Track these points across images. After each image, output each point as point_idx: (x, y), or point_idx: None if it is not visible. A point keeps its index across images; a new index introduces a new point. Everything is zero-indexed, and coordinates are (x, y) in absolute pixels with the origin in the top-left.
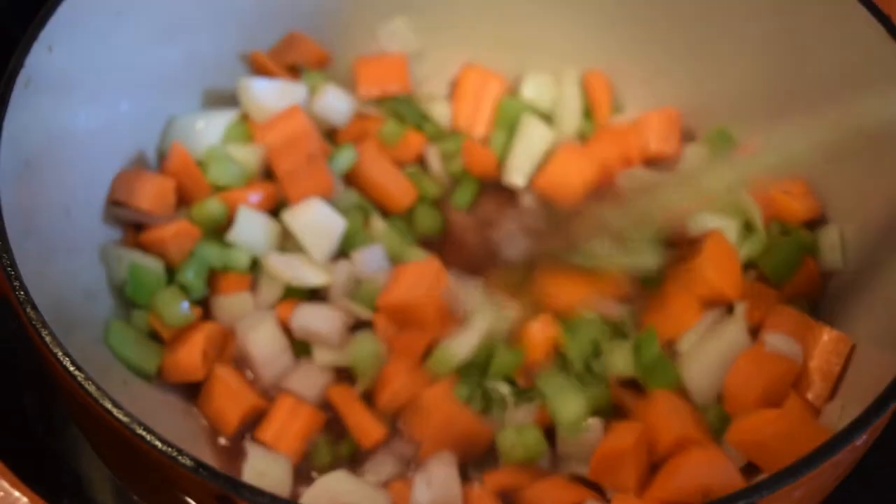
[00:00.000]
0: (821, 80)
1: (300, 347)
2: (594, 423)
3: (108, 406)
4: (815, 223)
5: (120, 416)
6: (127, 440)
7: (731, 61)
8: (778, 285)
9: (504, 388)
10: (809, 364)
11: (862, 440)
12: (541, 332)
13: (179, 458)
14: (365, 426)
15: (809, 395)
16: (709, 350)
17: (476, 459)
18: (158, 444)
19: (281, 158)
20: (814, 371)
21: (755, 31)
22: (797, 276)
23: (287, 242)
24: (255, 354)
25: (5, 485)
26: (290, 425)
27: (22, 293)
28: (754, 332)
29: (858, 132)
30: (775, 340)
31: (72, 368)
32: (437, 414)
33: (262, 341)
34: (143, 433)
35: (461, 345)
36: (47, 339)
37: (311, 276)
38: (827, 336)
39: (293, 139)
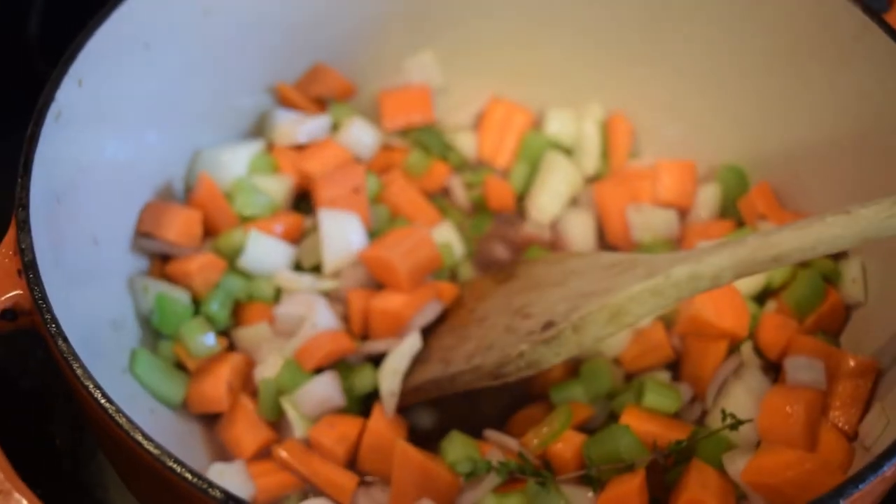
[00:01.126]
0: (864, 138)
1: None
2: None
3: (139, 438)
4: (834, 256)
5: (150, 448)
6: (157, 472)
7: (760, 117)
8: (801, 318)
9: (497, 457)
10: (837, 390)
11: (891, 470)
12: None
13: (210, 490)
14: (336, 480)
15: (839, 422)
16: (732, 401)
17: None
18: (189, 476)
19: (325, 187)
20: (842, 397)
21: (795, 88)
22: (821, 307)
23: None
24: None
25: None
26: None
27: (53, 326)
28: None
29: (778, 260)
30: (797, 365)
31: (102, 401)
32: (405, 460)
33: None
34: (174, 465)
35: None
36: (78, 371)
37: (319, 284)
38: (853, 362)
39: (339, 169)
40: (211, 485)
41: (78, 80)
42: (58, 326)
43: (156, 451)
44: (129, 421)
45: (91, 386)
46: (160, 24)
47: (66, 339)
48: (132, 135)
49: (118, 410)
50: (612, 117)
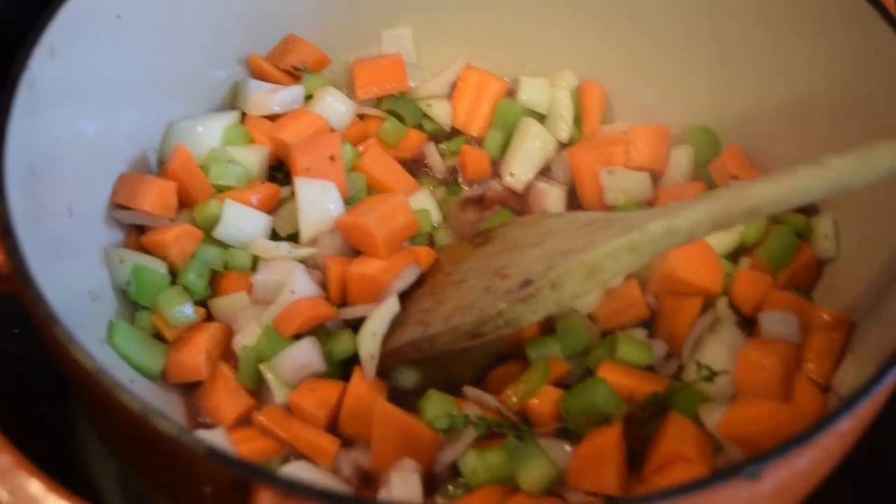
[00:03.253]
0: (838, 98)
1: None
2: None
3: (124, 397)
4: (806, 212)
5: (135, 406)
6: (141, 430)
7: (733, 80)
8: (775, 273)
9: (475, 413)
10: (811, 343)
11: (865, 406)
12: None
13: (194, 445)
14: (317, 443)
15: (813, 374)
16: (707, 355)
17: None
18: (174, 431)
19: (301, 156)
20: (816, 349)
21: (768, 51)
22: (794, 263)
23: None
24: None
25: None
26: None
27: (33, 290)
28: (753, 321)
29: (752, 212)
30: (772, 320)
31: (86, 361)
32: (385, 420)
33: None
34: (158, 422)
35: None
36: (60, 334)
37: (296, 251)
38: (826, 315)
39: (314, 138)
40: (195, 440)
41: (50, 49)
42: (37, 290)
43: (140, 409)
44: (113, 381)
45: (74, 348)
46: None
47: (46, 303)
48: (106, 107)
49: (102, 370)
50: (584, 84)
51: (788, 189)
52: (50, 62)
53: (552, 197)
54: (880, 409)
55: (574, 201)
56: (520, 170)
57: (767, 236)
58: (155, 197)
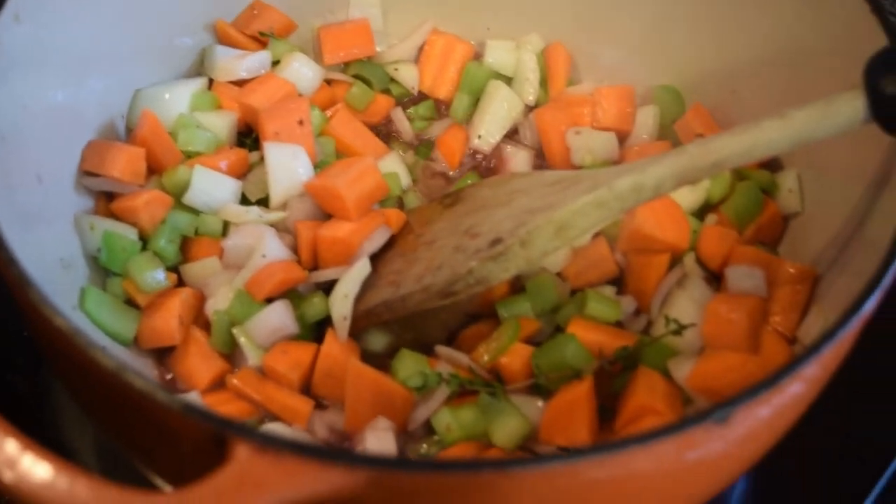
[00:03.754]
0: (798, 53)
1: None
2: None
3: (98, 356)
4: (770, 167)
5: (109, 364)
6: (117, 388)
7: (696, 39)
8: (741, 229)
9: (446, 370)
10: (777, 296)
11: (829, 352)
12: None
13: (172, 402)
14: (291, 405)
15: (780, 327)
16: (675, 310)
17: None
18: (149, 388)
19: (271, 121)
20: (782, 302)
21: (730, 7)
22: (759, 218)
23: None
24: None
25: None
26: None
27: (4, 253)
28: (720, 276)
29: (718, 165)
30: (738, 274)
31: (60, 322)
32: (358, 379)
33: None
34: (133, 379)
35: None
36: (34, 297)
37: (267, 216)
38: (791, 269)
39: (282, 102)
40: (171, 396)
41: (14, 14)
42: (9, 254)
43: (115, 367)
44: (88, 340)
45: (48, 310)
46: None
47: (18, 265)
48: (73, 74)
49: (77, 331)
50: (550, 46)
51: (752, 142)
52: (15, 28)
53: (519, 160)
54: (845, 356)
55: (542, 163)
56: (487, 132)
57: (733, 192)
58: (124, 163)
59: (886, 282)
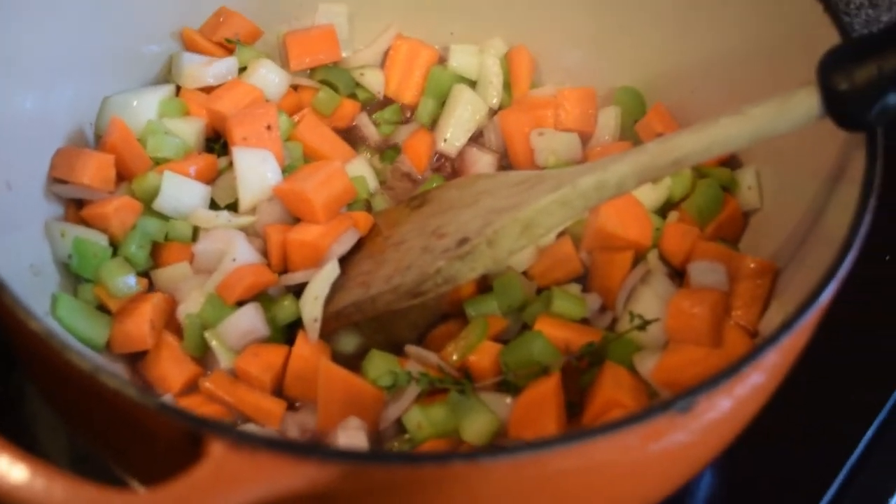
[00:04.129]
0: (753, 51)
1: None
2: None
3: (74, 358)
4: (730, 165)
5: (84, 365)
6: (92, 390)
7: (654, 40)
8: (702, 226)
9: (416, 370)
10: (738, 290)
11: (788, 341)
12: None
13: (147, 401)
14: (264, 406)
15: (741, 320)
16: (640, 305)
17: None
18: (125, 388)
19: (239, 126)
20: (743, 296)
21: (687, 6)
22: (720, 215)
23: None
24: None
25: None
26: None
27: None
28: (683, 272)
29: (678, 162)
30: (701, 269)
31: (35, 325)
32: (329, 379)
33: None
34: (108, 380)
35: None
36: (8, 300)
37: (236, 220)
38: (752, 264)
39: (250, 108)
40: (146, 395)
41: None
42: None
43: (90, 368)
44: (63, 342)
45: (23, 312)
46: None
47: None
48: (41, 81)
49: (51, 333)
50: (513, 49)
51: (711, 139)
52: None
53: (483, 164)
54: (804, 345)
55: (506, 166)
56: (453, 135)
57: (694, 190)
58: (93, 170)
59: (842, 272)
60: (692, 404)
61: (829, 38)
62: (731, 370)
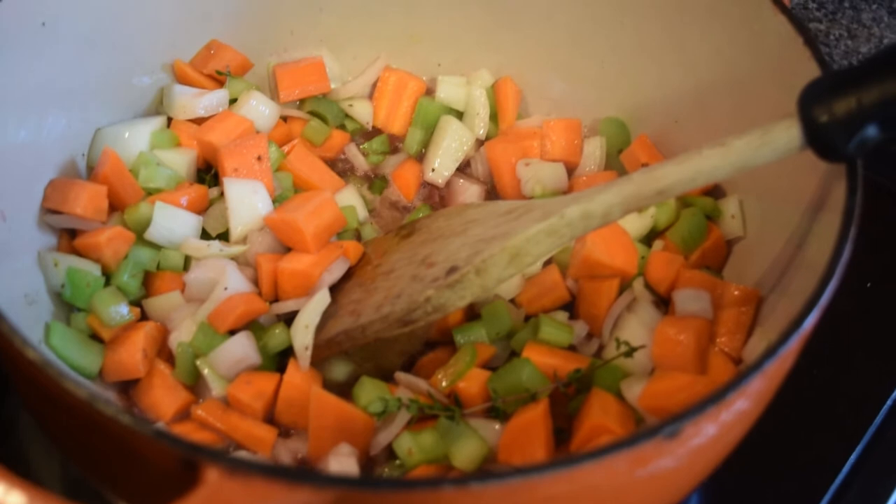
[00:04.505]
0: (735, 82)
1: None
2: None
3: (70, 385)
4: (713, 194)
5: (81, 393)
6: (88, 418)
7: (638, 71)
8: (687, 254)
9: (406, 396)
10: (722, 318)
11: (772, 367)
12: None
13: (143, 427)
14: (256, 434)
15: (726, 347)
16: (626, 332)
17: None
18: (122, 415)
19: (230, 157)
20: (727, 324)
21: (670, 38)
22: (704, 243)
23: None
24: None
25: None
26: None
27: None
28: (668, 300)
29: (663, 193)
30: (685, 297)
31: (32, 355)
32: (320, 406)
33: None
34: (104, 408)
35: (308, 314)
36: (5, 329)
37: (228, 249)
38: (736, 291)
39: (241, 139)
40: (142, 422)
41: None
42: None
43: (86, 396)
44: (59, 371)
45: (19, 341)
46: (56, 3)
47: None
48: (34, 113)
49: (47, 362)
50: (499, 81)
51: (695, 169)
52: None
53: (471, 193)
54: (787, 371)
55: (493, 195)
56: (441, 165)
57: (678, 219)
58: (86, 201)
59: (824, 300)
60: (679, 430)
61: (810, 70)
62: (717, 396)
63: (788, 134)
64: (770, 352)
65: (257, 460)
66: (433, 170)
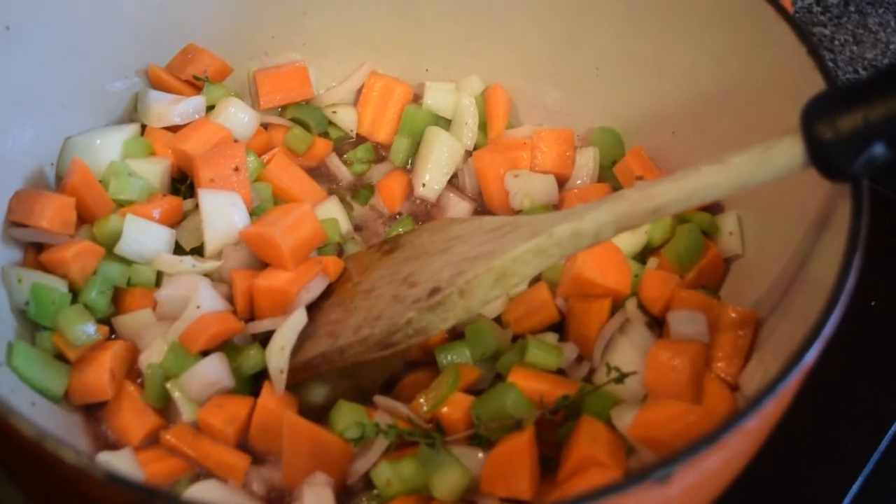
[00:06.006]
0: (735, 94)
1: None
2: None
3: (18, 422)
4: (711, 210)
5: (30, 431)
6: (39, 457)
7: (634, 80)
8: (682, 272)
9: (385, 421)
10: (719, 341)
11: (771, 405)
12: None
13: (94, 469)
14: (227, 461)
15: (722, 373)
16: (617, 356)
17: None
18: (70, 456)
19: (206, 167)
20: (724, 348)
21: (666, 48)
22: (701, 261)
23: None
24: None
25: None
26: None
27: None
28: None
29: (657, 211)
30: (680, 319)
31: None
32: (294, 433)
33: None
34: (55, 447)
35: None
36: None
37: (201, 265)
38: (734, 313)
39: (217, 148)
40: (93, 464)
41: None
42: None
43: (35, 435)
44: (7, 406)
45: None
46: (20, 5)
47: None
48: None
49: None
50: (490, 88)
51: (691, 188)
52: None
53: (460, 209)
54: (787, 406)
55: (482, 211)
56: (432, 179)
57: (674, 235)
58: (53, 213)
59: (827, 332)
60: (671, 473)
61: (814, 81)
62: (712, 437)
63: (790, 151)
64: (769, 388)
65: (216, 501)
66: (424, 184)
